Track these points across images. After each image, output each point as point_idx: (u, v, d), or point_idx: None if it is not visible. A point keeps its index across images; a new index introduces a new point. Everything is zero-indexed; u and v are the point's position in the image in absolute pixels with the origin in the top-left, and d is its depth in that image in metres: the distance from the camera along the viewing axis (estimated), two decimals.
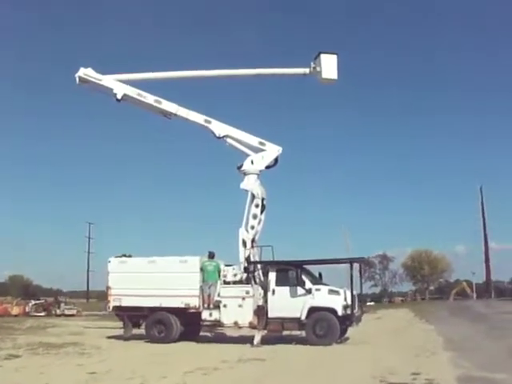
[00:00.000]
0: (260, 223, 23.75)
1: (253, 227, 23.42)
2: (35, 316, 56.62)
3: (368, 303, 79.88)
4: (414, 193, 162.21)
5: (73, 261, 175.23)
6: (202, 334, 24.82)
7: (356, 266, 23.41)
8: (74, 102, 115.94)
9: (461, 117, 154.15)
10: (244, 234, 23.19)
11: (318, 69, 24.79)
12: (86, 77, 25.09)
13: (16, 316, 55.54)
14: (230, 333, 24.98)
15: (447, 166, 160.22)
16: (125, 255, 24.75)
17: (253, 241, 23.41)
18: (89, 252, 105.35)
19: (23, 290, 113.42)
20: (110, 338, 24.91)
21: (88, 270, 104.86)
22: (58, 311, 63.74)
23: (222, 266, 23.08)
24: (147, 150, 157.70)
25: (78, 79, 25.19)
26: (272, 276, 22.08)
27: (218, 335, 25.17)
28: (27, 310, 61.72)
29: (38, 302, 66.95)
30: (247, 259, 22.74)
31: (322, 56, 24.71)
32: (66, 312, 62.29)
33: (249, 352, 18.46)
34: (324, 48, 25.45)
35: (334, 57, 24.97)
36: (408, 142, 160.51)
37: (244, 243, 23.05)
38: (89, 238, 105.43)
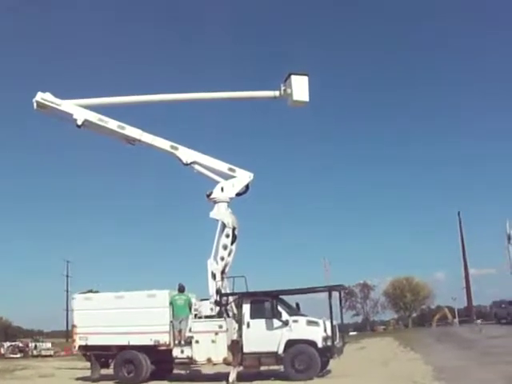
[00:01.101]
0: (231, 254, 22.49)
1: (223, 258, 22.13)
2: (10, 358, 55.18)
3: (350, 333, 79.07)
4: (392, 220, 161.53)
5: (53, 300, 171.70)
6: (176, 371, 23.44)
7: (335, 294, 22.30)
8: (42, 129, 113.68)
9: (437, 143, 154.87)
10: (213, 266, 21.88)
11: (288, 91, 23.65)
12: (44, 102, 23.79)
13: None
14: (206, 370, 23.49)
15: (424, 192, 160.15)
16: (91, 291, 23.44)
17: (223, 272, 22.15)
18: (68, 291, 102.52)
19: (2, 331, 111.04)
20: (79, 379, 23.52)
21: (67, 309, 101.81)
22: (35, 352, 62.43)
23: (194, 300, 21.93)
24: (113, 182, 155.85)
25: (35, 104, 23.92)
26: (246, 308, 20.89)
27: (192, 373, 23.76)
28: (2, 351, 60.20)
29: (13, 343, 65.45)
30: (218, 291, 21.49)
31: (293, 77, 23.63)
32: (43, 353, 61.07)
33: None
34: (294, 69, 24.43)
35: (306, 78, 23.82)
36: (384, 169, 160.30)
37: (213, 275, 21.77)
38: (67, 276, 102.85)
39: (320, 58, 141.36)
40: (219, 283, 21.63)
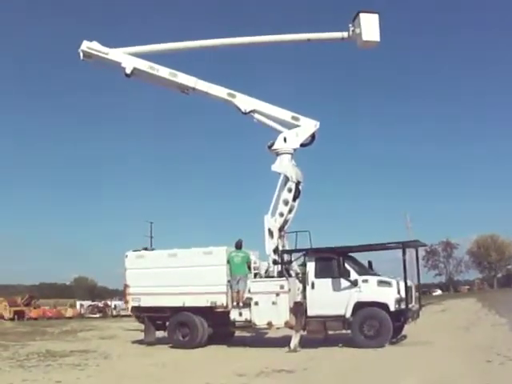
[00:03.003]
0: (292, 211, 20.80)
1: (282, 214, 20.41)
2: (89, 318, 55.89)
3: (434, 293, 76.22)
4: (477, 177, 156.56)
5: None
6: (239, 334, 21.91)
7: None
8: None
9: None
10: (270, 222, 20.22)
11: (357, 31, 21.53)
12: (90, 51, 22.61)
13: (70, 318, 54.65)
14: (272, 333, 21.80)
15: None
16: (146, 248, 22.23)
17: (281, 230, 20.50)
18: None
19: (88, 291, 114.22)
20: (134, 342, 22.61)
21: None
22: (114, 312, 62.89)
23: (253, 257, 20.31)
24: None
25: (81, 54, 22.75)
26: (310, 266, 19.03)
27: (256, 336, 22.30)
28: (82, 311, 60.97)
29: (93, 303, 66.38)
30: (275, 250, 19.81)
31: (362, 16, 21.47)
32: (122, 313, 61.15)
33: (278, 360, 15.43)
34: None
35: (376, 16, 21.64)
36: (473, 126, 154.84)
37: (270, 232, 20.13)
38: (151, 237, 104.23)
39: None
40: (278, 241, 20.00)
